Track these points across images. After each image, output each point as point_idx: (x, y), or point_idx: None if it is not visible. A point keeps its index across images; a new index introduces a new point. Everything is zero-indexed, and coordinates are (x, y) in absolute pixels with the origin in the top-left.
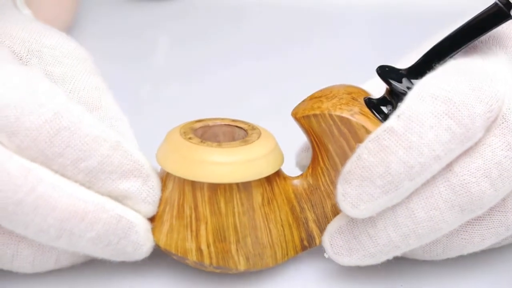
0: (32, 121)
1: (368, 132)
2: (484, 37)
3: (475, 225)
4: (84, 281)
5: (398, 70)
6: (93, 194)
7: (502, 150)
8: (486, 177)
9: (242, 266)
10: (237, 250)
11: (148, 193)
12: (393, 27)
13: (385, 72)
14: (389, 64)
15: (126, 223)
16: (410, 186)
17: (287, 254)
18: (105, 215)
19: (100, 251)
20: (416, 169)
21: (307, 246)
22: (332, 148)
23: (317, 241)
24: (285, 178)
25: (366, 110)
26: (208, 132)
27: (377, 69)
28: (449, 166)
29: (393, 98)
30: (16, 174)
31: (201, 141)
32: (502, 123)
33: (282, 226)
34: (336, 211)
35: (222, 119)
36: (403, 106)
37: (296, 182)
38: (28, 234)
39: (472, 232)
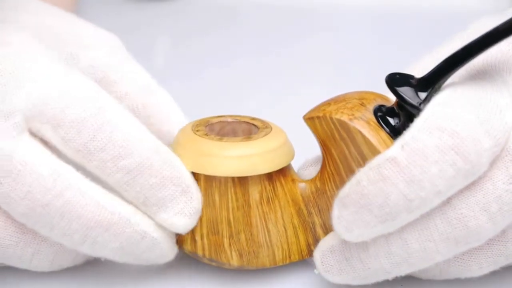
0: (78, 113)
1: (365, 138)
2: (495, 62)
3: (473, 254)
4: (84, 278)
5: (409, 79)
6: (121, 204)
7: (503, 183)
8: (485, 211)
9: (235, 262)
10: (229, 244)
11: (185, 204)
12: (392, 27)
13: (394, 81)
14: (400, 71)
15: (150, 240)
16: (407, 218)
17: (289, 257)
18: (129, 229)
19: (122, 259)
20: (416, 203)
21: (312, 251)
22: (335, 152)
23: None
24: (293, 179)
25: (370, 117)
26: (226, 128)
27: (386, 77)
28: (447, 198)
29: (401, 110)
30: (47, 177)
31: (205, 134)
32: (506, 155)
33: (285, 228)
34: None
35: (242, 116)
36: (408, 136)
37: (304, 185)
38: (52, 236)
39: (469, 260)
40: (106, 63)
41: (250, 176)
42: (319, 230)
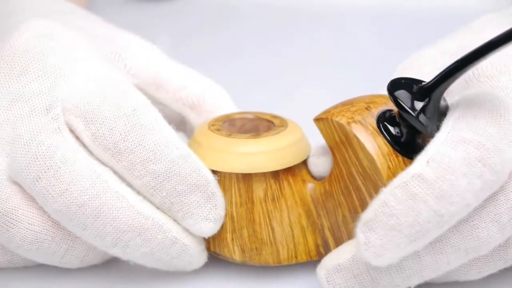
0: (112, 111)
1: (359, 143)
2: (504, 69)
3: (475, 261)
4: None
5: (412, 85)
6: (153, 210)
7: None
8: (496, 221)
9: (237, 257)
10: (232, 239)
11: (210, 211)
12: (392, 27)
13: (396, 87)
14: (406, 76)
15: (180, 246)
16: (436, 234)
17: (295, 257)
18: (161, 235)
19: (151, 264)
20: (446, 218)
21: (323, 253)
22: (338, 155)
23: (332, 250)
24: (304, 180)
25: (371, 121)
26: (247, 125)
27: (388, 84)
28: None
29: (401, 118)
30: (86, 177)
31: (217, 130)
32: None
33: (291, 227)
34: (346, 222)
35: (263, 113)
36: (433, 151)
37: (313, 185)
38: (83, 236)
39: (470, 266)
40: (152, 64)
41: (255, 174)
42: (327, 233)
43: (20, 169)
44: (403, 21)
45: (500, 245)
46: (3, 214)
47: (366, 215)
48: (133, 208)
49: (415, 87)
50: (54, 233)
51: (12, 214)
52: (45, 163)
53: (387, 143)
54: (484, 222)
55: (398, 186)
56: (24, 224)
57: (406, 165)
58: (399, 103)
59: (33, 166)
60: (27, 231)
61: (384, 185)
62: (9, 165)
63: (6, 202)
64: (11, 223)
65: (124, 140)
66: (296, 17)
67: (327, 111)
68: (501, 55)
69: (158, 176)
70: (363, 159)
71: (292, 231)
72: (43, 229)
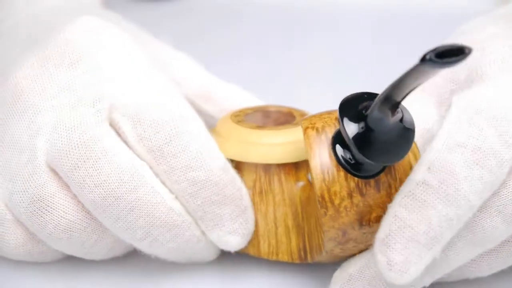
0: (160, 115)
1: (307, 150)
2: (505, 66)
3: (485, 256)
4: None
5: (367, 103)
6: (183, 208)
7: None
8: (500, 212)
9: None
10: None
11: (240, 225)
12: (393, 27)
13: (347, 107)
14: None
15: (204, 243)
16: (450, 237)
17: (276, 254)
18: (189, 233)
19: (172, 257)
20: (455, 221)
21: (303, 258)
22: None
23: (309, 258)
24: (297, 180)
25: (330, 130)
26: (281, 119)
27: (341, 101)
28: None
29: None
30: (124, 170)
31: (238, 122)
32: None
33: (275, 224)
34: (316, 230)
35: (296, 110)
36: (431, 157)
37: (302, 187)
38: (113, 228)
39: (481, 262)
40: (197, 76)
41: (246, 163)
42: (306, 238)
43: (59, 156)
44: (405, 21)
45: (509, 240)
46: (38, 200)
47: (380, 234)
48: (166, 204)
49: (366, 107)
50: (86, 223)
51: (48, 200)
52: (85, 153)
53: (333, 156)
54: (488, 214)
55: (405, 196)
56: (58, 211)
57: (346, 181)
58: (341, 125)
59: (72, 154)
60: (60, 219)
61: (316, 195)
62: (48, 151)
63: (43, 187)
64: (46, 210)
65: (168, 144)
66: (298, 18)
67: (309, 117)
68: (506, 49)
69: (196, 184)
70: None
71: (276, 228)
72: (77, 218)
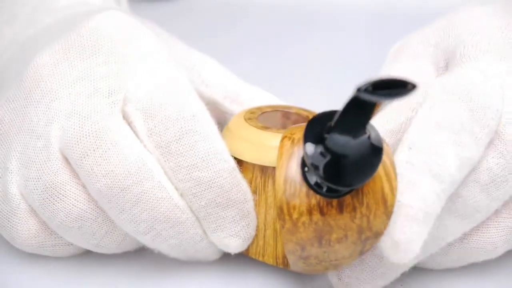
0: (172, 112)
1: (277, 157)
2: (487, 48)
3: (484, 232)
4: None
5: (330, 123)
6: (188, 206)
7: (493, 158)
8: (476, 182)
9: None
10: None
11: (242, 228)
12: (394, 28)
13: (314, 126)
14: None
15: (206, 243)
16: (439, 210)
17: (263, 255)
18: (192, 230)
19: (174, 254)
20: (443, 196)
21: (286, 264)
22: None
23: (289, 265)
24: None
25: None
26: (300, 121)
27: (308, 122)
28: None
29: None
30: (132, 162)
31: (247, 120)
32: (496, 138)
33: (265, 226)
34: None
35: (309, 112)
36: (411, 137)
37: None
38: (117, 219)
39: (483, 240)
40: (223, 77)
41: (245, 162)
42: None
43: (70, 143)
44: (405, 21)
45: (505, 216)
46: (51, 187)
47: (389, 230)
48: (172, 200)
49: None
50: (97, 213)
51: (60, 188)
52: (95, 142)
53: (299, 170)
54: (465, 183)
55: (396, 179)
56: (70, 200)
57: (308, 197)
58: (305, 147)
59: (83, 142)
60: (72, 207)
61: (275, 206)
62: (61, 138)
63: (55, 175)
64: (58, 197)
65: (177, 142)
66: (298, 18)
67: (294, 126)
68: (493, 32)
69: (201, 184)
70: None
71: (265, 230)
72: (88, 207)
